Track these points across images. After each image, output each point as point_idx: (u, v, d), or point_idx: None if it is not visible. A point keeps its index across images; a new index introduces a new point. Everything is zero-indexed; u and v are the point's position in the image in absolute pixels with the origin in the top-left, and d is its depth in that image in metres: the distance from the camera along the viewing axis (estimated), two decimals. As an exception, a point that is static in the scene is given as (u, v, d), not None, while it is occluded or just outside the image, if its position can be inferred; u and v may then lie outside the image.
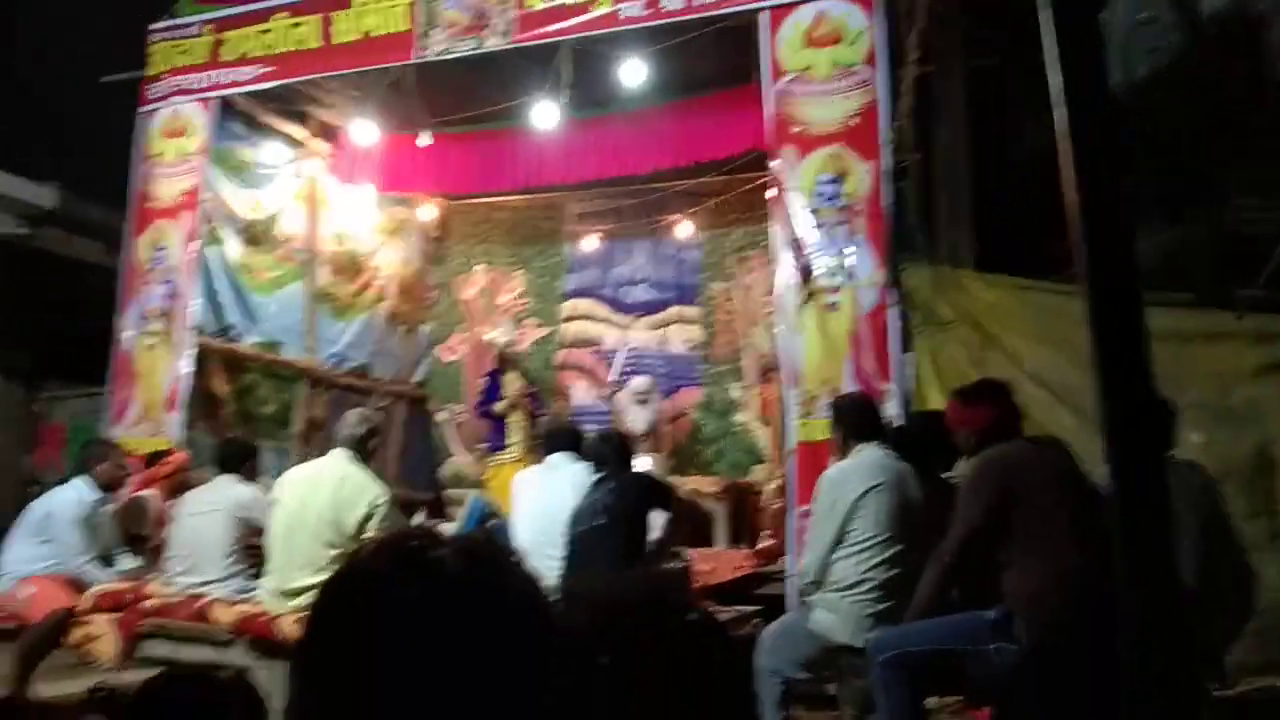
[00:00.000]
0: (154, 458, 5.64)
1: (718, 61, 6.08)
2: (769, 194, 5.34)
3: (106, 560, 5.09)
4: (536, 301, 8.81)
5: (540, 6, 5.70)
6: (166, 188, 6.63)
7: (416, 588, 0.84)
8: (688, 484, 6.74)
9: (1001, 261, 5.36)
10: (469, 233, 9.11)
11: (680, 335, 8.35)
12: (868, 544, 3.52)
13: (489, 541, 0.90)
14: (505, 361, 7.67)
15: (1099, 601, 2.83)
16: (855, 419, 3.81)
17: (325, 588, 0.91)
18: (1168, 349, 3.96)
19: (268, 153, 7.45)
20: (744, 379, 7.98)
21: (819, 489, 3.70)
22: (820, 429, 4.70)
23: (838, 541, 3.55)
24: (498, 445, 7.49)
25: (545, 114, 6.18)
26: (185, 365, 6.35)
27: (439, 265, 9.18)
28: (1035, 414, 4.38)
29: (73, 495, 5.00)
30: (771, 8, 5.20)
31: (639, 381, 7.64)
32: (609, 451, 4.43)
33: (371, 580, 0.87)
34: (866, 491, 3.54)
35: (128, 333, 6.53)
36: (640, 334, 8.35)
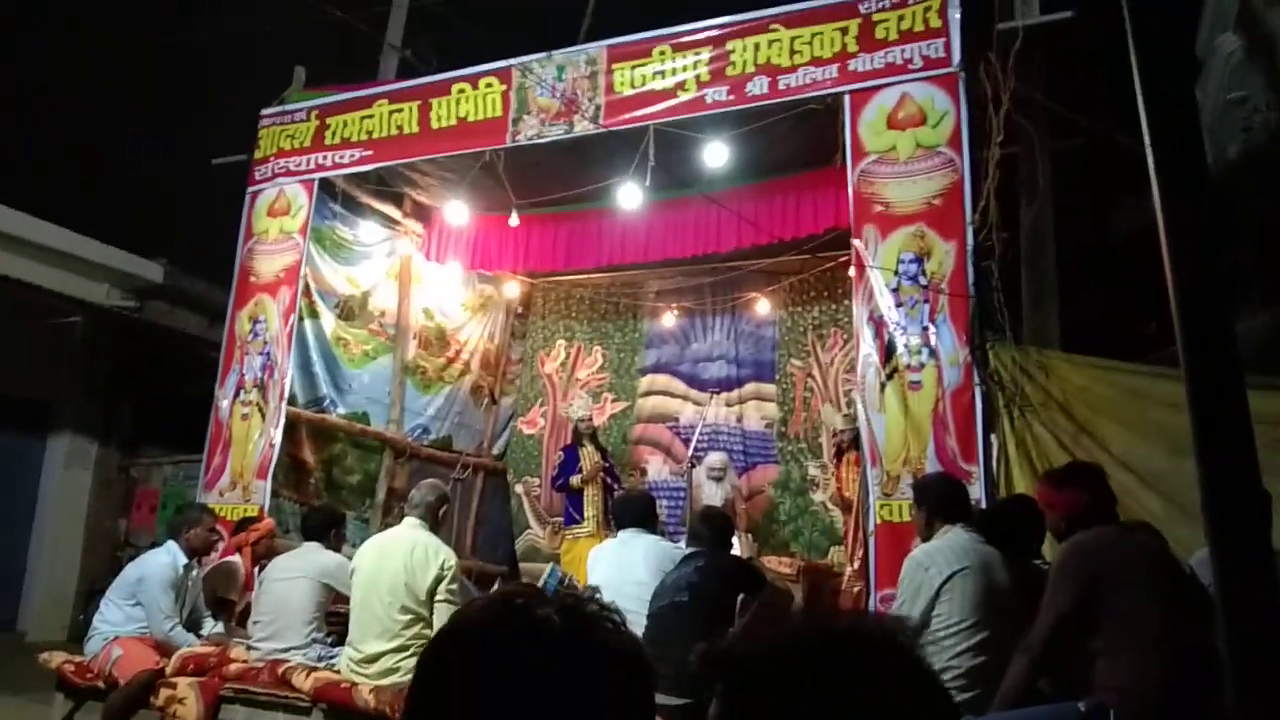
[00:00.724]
0: (243, 524, 5.80)
1: (799, 143, 6.16)
2: (849, 272, 5.35)
3: (194, 624, 5.21)
4: (614, 377, 8.90)
5: (628, 93, 5.89)
6: (268, 264, 6.93)
7: (521, 645, 0.86)
8: (764, 564, 6.63)
9: (1087, 343, 5.24)
10: (551, 309, 9.29)
11: (757, 412, 8.31)
12: (953, 630, 3.41)
13: (593, 600, 0.92)
14: (582, 435, 7.71)
15: (1199, 693, 2.70)
16: (940, 500, 3.74)
17: (433, 642, 0.93)
18: (1270, 434, 3.81)
19: (364, 232, 7.76)
20: (821, 457, 7.88)
21: (903, 572, 3.61)
22: (902, 510, 4.62)
23: (922, 627, 3.46)
24: (573, 519, 7.50)
25: (629, 195, 6.32)
26: (277, 434, 6.53)
27: (521, 340, 9.35)
28: (1122, 499, 4.25)
29: (165, 559, 5.14)
30: (854, 91, 5.28)
31: (714, 458, 7.61)
32: (706, 530, 4.39)
33: (477, 635, 0.89)
34: (952, 575, 3.45)
35: (224, 402, 6.77)
36: (716, 410, 8.33)
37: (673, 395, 8.68)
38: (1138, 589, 2.99)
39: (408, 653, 4.23)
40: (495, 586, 6.01)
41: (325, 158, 6.91)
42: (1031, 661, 3.06)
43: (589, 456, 7.59)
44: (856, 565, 5.92)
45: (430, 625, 4.28)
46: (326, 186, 7.11)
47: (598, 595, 0.93)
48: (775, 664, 0.86)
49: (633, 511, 4.82)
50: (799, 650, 0.86)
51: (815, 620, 0.90)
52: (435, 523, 4.55)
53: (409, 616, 4.25)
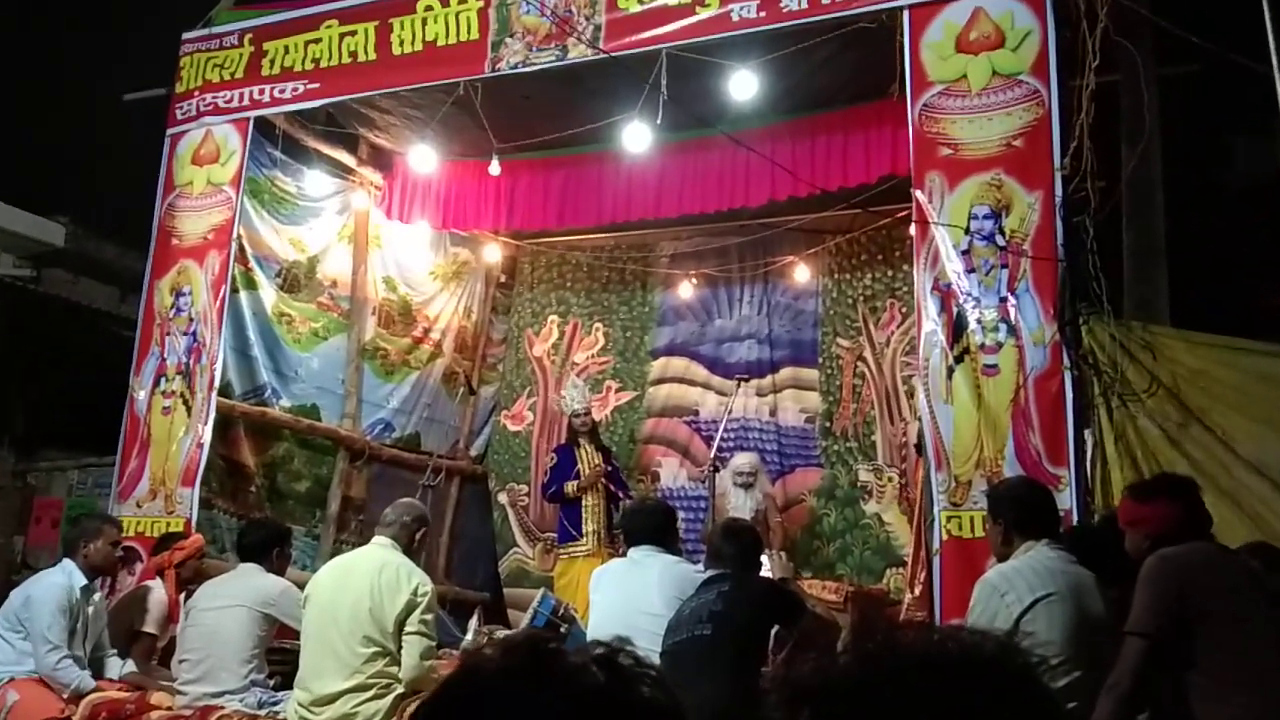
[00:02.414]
0: (165, 541, 5.81)
1: (847, 72, 6.13)
2: (909, 231, 5.32)
3: (97, 662, 5.23)
4: (619, 361, 8.91)
5: (635, 9, 5.86)
6: (193, 223, 6.94)
7: (556, 703, 0.86)
8: (804, 589, 6.64)
9: (1204, 316, 5.22)
10: (541, 277, 9.30)
11: (795, 403, 8.31)
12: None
13: (629, 652, 0.92)
14: (579, 433, 7.72)
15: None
16: (1020, 510, 3.73)
17: (443, 687, 0.93)
18: None
19: (311, 183, 7.76)
20: (875, 459, 7.88)
21: (975, 599, 3.61)
22: (974, 523, 4.61)
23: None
24: (569, 534, 7.52)
25: (636, 136, 6.30)
26: (206, 432, 6.55)
27: (505, 316, 9.37)
28: (1250, 506, 4.24)
29: (58, 579, 5.14)
30: (914, 6, 5.25)
31: (743, 460, 7.60)
32: (730, 547, 4.38)
33: (500, 689, 0.89)
34: (1035, 602, 3.45)
35: (141, 393, 6.80)
36: (745, 401, 8.33)
37: (691, 383, 8.68)
38: (1245, 617, 3.04)
39: (368, 694, 4.25)
40: (474, 619, 6.04)
41: (262, 92, 6.89)
42: (1120, 701, 3.08)
43: (588, 458, 7.60)
44: (918, 591, 5.93)
45: (396, 662, 4.30)
46: (264, 127, 7.09)
47: (628, 646, 0.93)
48: (881, 692, 0.85)
49: (648, 525, 4.81)
50: (908, 674, 0.85)
51: (918, 640, 0.89)
52: (410, 547, 4.59)
53: (372, 650, 4.28)
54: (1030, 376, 4.72)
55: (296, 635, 4.63)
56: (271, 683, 4.90)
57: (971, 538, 4.62)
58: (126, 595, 5.73)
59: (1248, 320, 5.69)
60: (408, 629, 4.31)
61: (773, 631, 4.18)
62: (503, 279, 9.38)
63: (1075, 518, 4.43)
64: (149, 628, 5.46)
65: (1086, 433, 4.67)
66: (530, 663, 0.90)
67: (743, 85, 5.94)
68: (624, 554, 4.92)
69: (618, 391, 8.85)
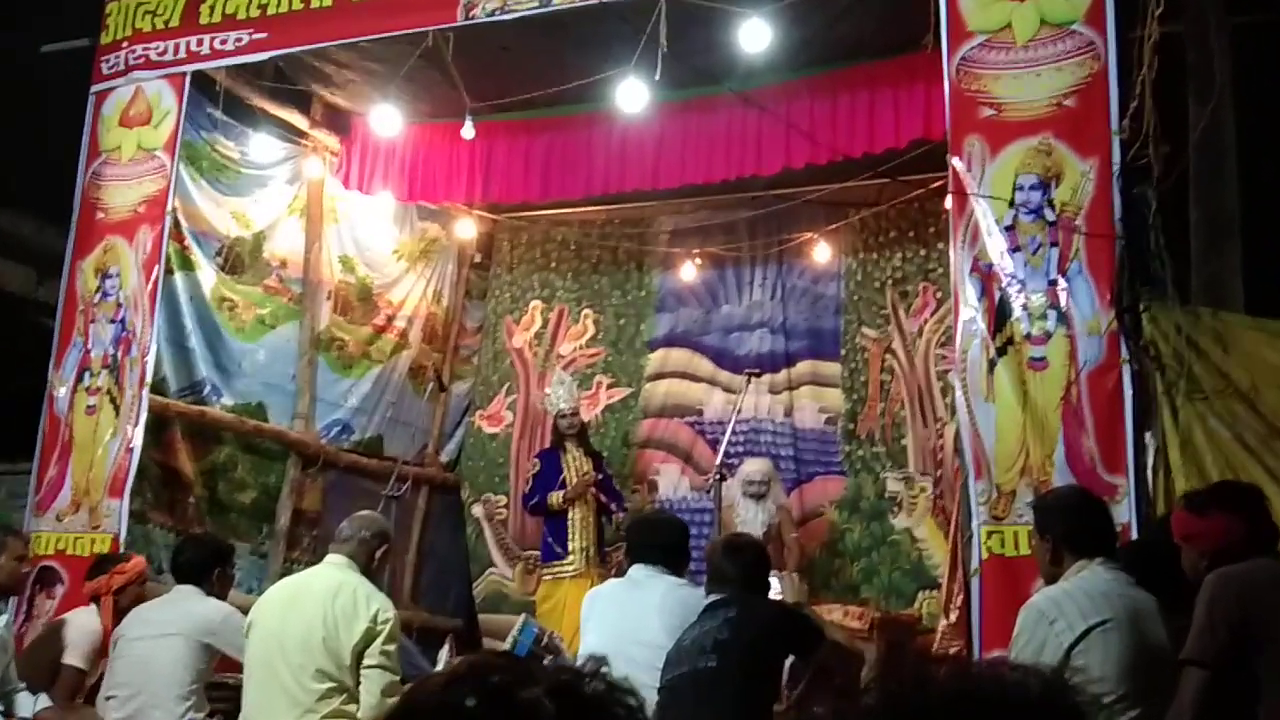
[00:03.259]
0: (102, 564, 5.77)
1: (873, 20, 6.12)
2: (945, 204, 5.31)
3: (4, 698, 5.21)
4: (612, 353, 8.91)
5: (631, -53, 5.84)
6: (121, 194, 6.91)
7: None
8: (822, 614, 6.65)
9: (1284, 302, 5.23)
10: (522, 257, 9.29)
11: (814, 402, 8.31)
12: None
13: (597, 675, 0.93)
14: (567, 436, 7.71)
15: None
16: (1071, 525, 3.73)
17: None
18: None
19: (257, 148, 7.75)
20: (906, 466, 7.88)
21: (1019, 627, 3.62)
22: (1019, 540, 4.62)
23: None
24: (553, 553, 7.52)
25: (631, 94, 6.28)
26: (136, 435, 6.54)
27: (480, 302, 9.37)
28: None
29: None
30: (951, -57, 5.24)
31: (753, 467, 7.60)
32: (733, 566, 4.38)
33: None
34: (1089, 631, 3.46)
35: (62, 389, 6.78)
36: (757, 399, 8.33)
37: (695, 378, 8.68)
38: None
39: (323, 735, 4.25)
40: (445, 649, 6.02)
41: (200, 43, 6.86)
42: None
43: (575, 465, 7.60)
44: (954, 618, 5.93)
45: (354, 699, 4.30)
46: (203, 84, 7.07)
47: (603, 669, 0.93)
48: None
49: (655, 540, 4.82)
50: (946, 714, 0.85)
51: (952, 677, 0.88)
52: (369, 567, 4.58)
53: (326, 685, 4.27)
54: (1083, 371, 4.72)
55: (240, 668, 4.62)
56: (217, 720, 4.90)
57: (1015, 556, 4.63)
58: (48, 624, 5.70)
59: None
60: (367, 661, 4.30)
61: (786, 663, 4.18)
62: (478, 259, 9.37)
63: (1134, 533, 4.44)
64: (74, 660, 5.41)
65: (1148, 436, 4.68)
66: (480, 698, 0.90)
67: (754, 35, 5.92)
68: (619, 574, 4.93)
69: (610, 388, 8.85)
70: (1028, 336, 4.84)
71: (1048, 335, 4.81)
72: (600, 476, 7.67)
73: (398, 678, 4.42)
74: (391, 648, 4.35)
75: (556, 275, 9.17)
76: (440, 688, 0.93)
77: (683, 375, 8.71)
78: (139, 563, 5.77)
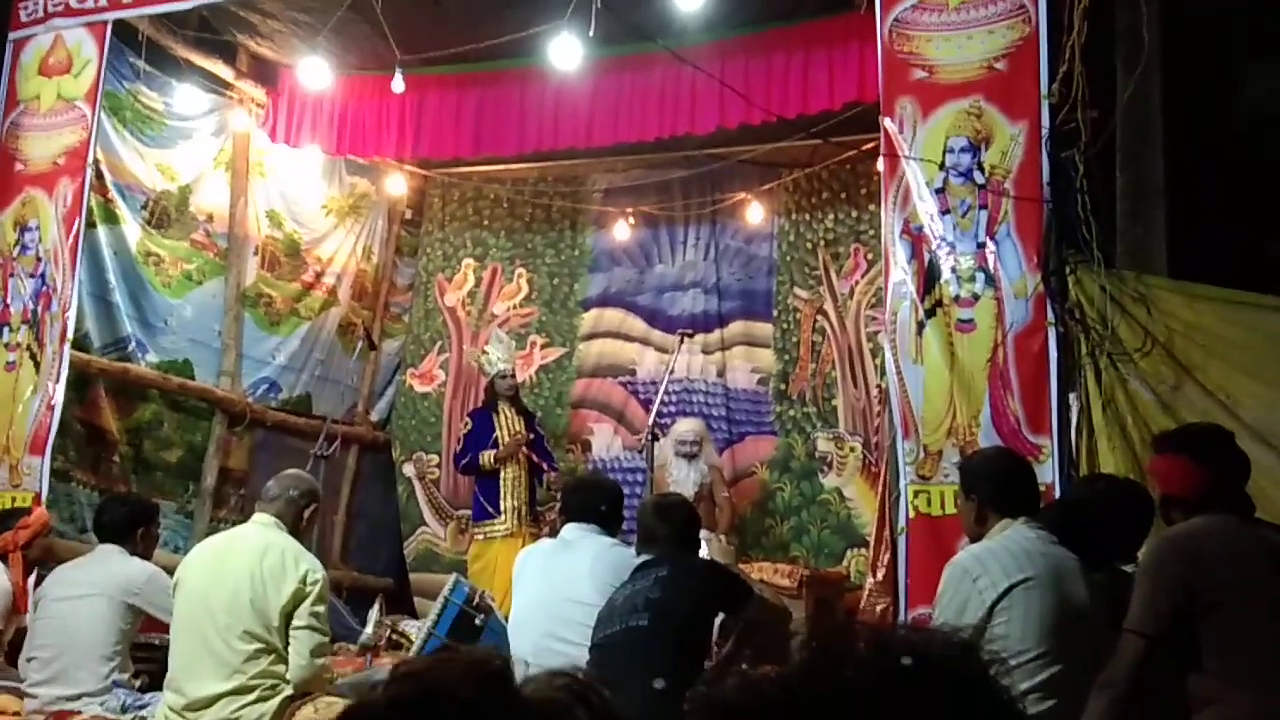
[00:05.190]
0: (4, 519, 5.71)
1: (808, -20, 6.11)
2: (878, 165, 5.34)
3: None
4: (545, 312, 8.90)
5: (562, -100, 5.79)
6: (41, 145, 6.79)
7: None
8: (752, 572, 6.71)
9: (1205, 266, 5.30)
10: (454, 214, 9.23)
11: (746, 362, 8.36)
12: (1013, 664, 3.48)
13: (574, 679, 0.93)
14: (499, 395, 7.70)
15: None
16: (996, 485, 3.77)
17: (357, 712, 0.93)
18: None
19: (182, 99, 7.61)
20: (836, 426, 7.96)
21: (943, 584, 3.66)
22: (945, 499, 4.68)
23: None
24: (485, 512, 7.52)
25: (564, 50, 6.23)
26: (58, 392, 6.45)
27: (411, 259, 9.32)
28: (1255, 483, 4.33)
29: None
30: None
31: (686, 426, 7.64)
32: (664, 526, 4.39)
33: (450, 709, 0.88)
34: (1011, 588, 3.50)
35: (-21, 345, 6.66)
36: (689, 359, 8.36)
37: (628, 338, 8.70)
38: (1260, 610, 3.04)
39: (251, 696, 4.23)
40: (375, 609, 6.01)
41: (123, -10, 6.74)
42: (1114, 702, 3.11)
43: (507, 424, 7.60)
44: (881, 575, 6.01)
45: (283, 659, 4.28)
46: (125, 33, 6.95)
47: (578, 671, 0.92)
48: (816, 715, 0.86)
49: (589, 500, 4.82)
50: (848, 695, 0.85)
51: (857, 641, 0.89)
52: (298, 526, 4.55)
53: (254, 646, 4.24)
54: (1010, 333, 4.78)
55: (165, 629, 4.59)
56: (137, 683, 4.85)
57: (941, 515, 4.70)
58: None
59: (1255, 271, 5.78)
60: (295, 622, 4.28)
61: (716, 620, 4.21)
62: (409, 215, 9.31)
63: (1058, 493, 4.51)
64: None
65: (1071, 397, 4.74)
66: (480, 684, 0.90)
67: (689, -7, 5.89)
68: (552, 534, 4.94)
69: (544, 348, 8.84)
70: (956, 299, 4.89)
71: (976, 298, 4.86)
72: (532, 436, 7.67)
73: (327, 639, 4.42)
74: (321, 608, 4.34)
75: (489, 233, 9.13)
76: (385, 704, 0.92)
77: (616, 335, 8.73)
78: (41, 513, 5.73)
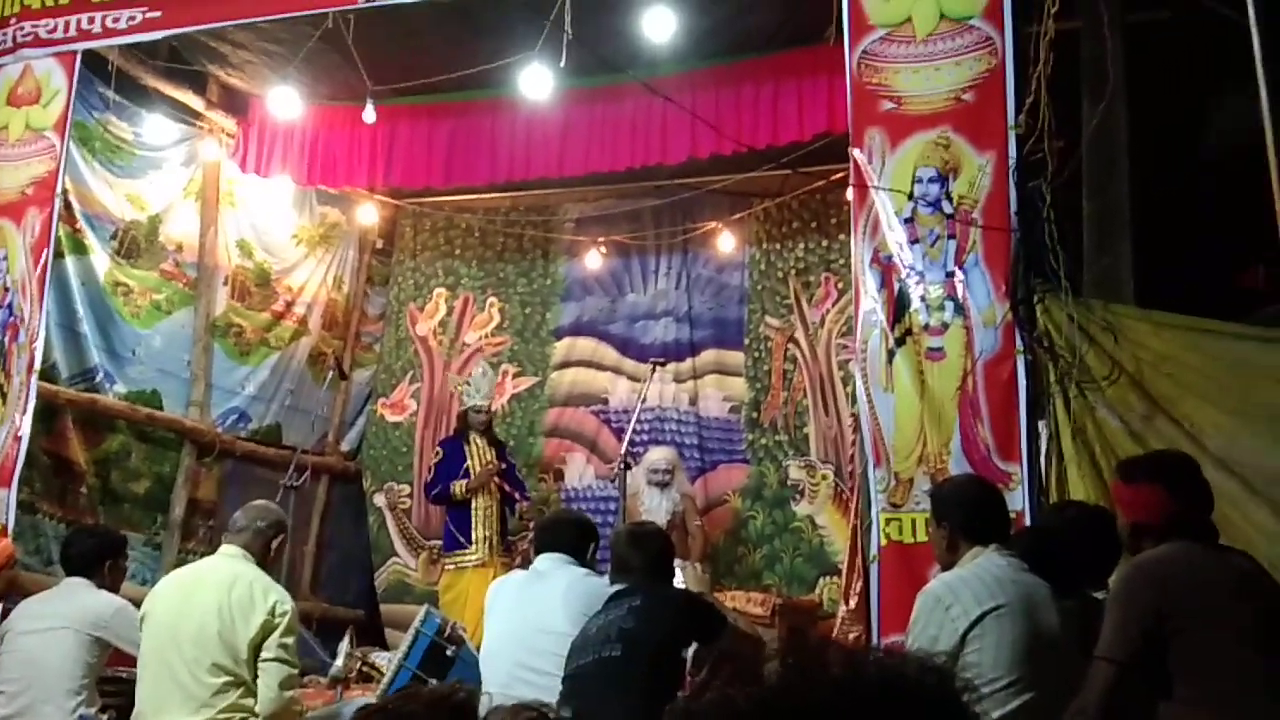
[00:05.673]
0: (-32, 549, 5.68)
1: (778, 12, 6.17)
2: (847, 195, 5.37)
3: None
4: (517, 341, 8.90)
5: (535, -68, 5.82)
6: (9, 175, 6.75)
7: None
8: (725, 600, 6.71)
9: (1171, 295, 5.35)
10: (425, 244, 9.23)
11: (718, 391, 8.38)
12: (985, 690, 3.49)
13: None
14: (471, 424, 7.69)
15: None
16: (967, 512, 3.79)
17: None
18: None
19: (151, 130, 7.61)
20: (808, 454, 7.98)
21: (916, 612, 3.67)
22: (917, 527, 4.70)
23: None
24: (456, 542, 7.50)
25: (536, 80, 6.26)
26: (25, 423, 6.39)
27: (382, 289, 9.30)
28: (1219, 510, 4.36)
29: None
30: (853, -64, 5.29)
31: (658, 455, 7.65)
32: (638, 556, 4.40)
33: None
34: (983, 616, 3.52)
35: (-55, 376, 6.60)
36: (661, 388, 8.38)
37: (600, 367, 8.70)
38: (1227, 636, 3.05)
39: (219, 731, 4.21)
40: (345, 640, 5.97)
41: (92, 20, 6.70)
42: (1085, 731, 3.13)
43: (479, 454, 7.58)
44: (853, 603, 6.02)
45: (252, 692, 4.25)
46: (95, 63, 6.93)
47: (547, 711, 0.92)
48: None
49: (561, 534, 4.82)
50: (818, 710, 0.86)
51: (828, 666, 0.89)
52: (265, 558, 4.55)
53: (222, 679, 4.22)
54: (979, 361, 4.79)
55: (133, 662, 4.55)
56: (104, 717, 4.82)
57: (913, 543, 4.70)
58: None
59: (1220, 299, 5.84)
60: (264, 654, 4.26)
61: (690, 650, 4.21)
62: (380, 245, 9.30)
63: (1028, 520, 4.53)
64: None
65: (1041, 425, 4.76)
66: None
67: (659, 23, 5.93)
68: (524, 564, 4.93)
69: (516, 377, 8.84)
70: (926, 327, 4.90)
71: (945, 326, 4.88)
72: (504, 465, 7.66)
73: (296, 671, 4.39)
74: (290, 640, 4.32)
75: (461, 262, 9.13)
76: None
77: (588, 364, 8.74)
78: (6, 546, 5.70)
